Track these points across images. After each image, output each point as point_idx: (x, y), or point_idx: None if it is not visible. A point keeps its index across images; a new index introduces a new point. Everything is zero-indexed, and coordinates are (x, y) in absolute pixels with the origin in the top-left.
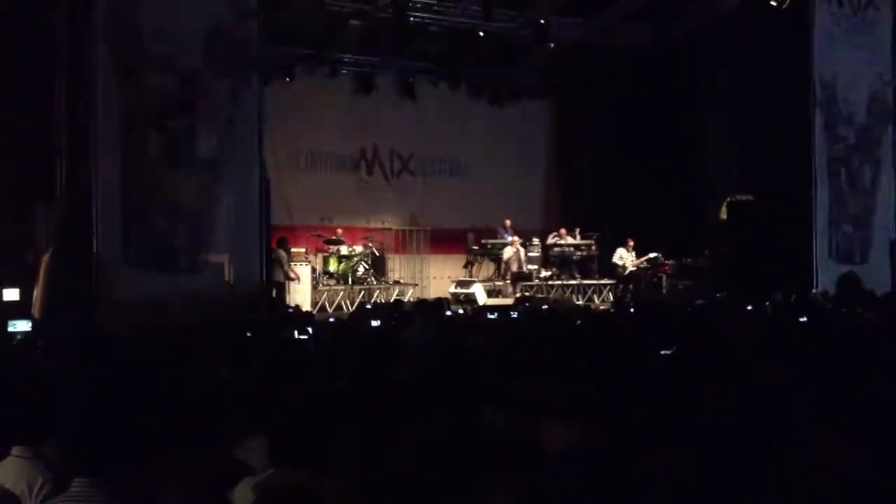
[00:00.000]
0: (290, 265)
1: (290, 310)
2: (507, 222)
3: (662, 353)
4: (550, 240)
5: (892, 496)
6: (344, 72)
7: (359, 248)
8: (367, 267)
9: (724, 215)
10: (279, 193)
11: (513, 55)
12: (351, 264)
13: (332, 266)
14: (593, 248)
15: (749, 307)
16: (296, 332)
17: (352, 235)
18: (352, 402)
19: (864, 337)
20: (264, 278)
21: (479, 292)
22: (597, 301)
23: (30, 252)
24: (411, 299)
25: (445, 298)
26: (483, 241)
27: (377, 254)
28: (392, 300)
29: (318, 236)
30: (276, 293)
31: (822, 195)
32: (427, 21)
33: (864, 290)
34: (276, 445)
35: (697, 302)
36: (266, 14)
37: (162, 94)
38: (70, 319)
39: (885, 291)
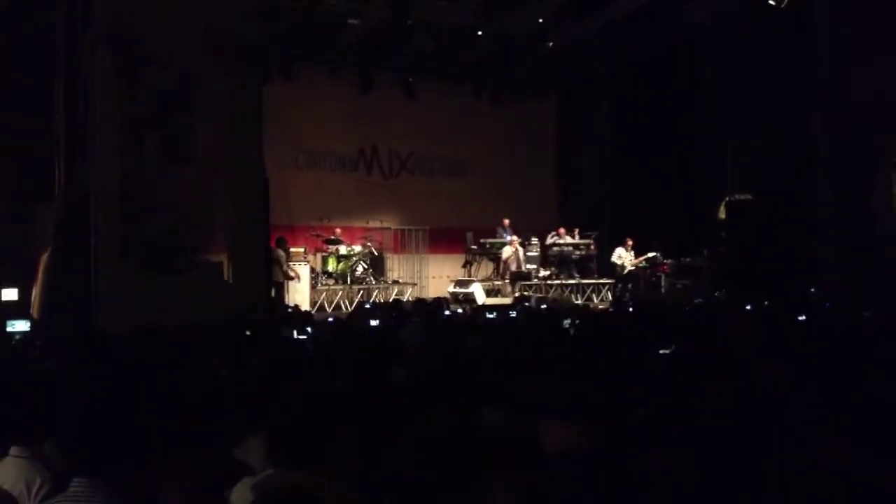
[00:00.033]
0: (288, 265)
1: (290, 309)
2: (506, 221)
3: (661, 352)
4: (549, 239)
5: (893, 496)
6: (343, 71)
7: (358, 248)
8: (366, 266)
9: (722, 215)
10: (278, 193)
11: (513, 55)
12: (350, 264)
13: (331, 266)
14: (592, 247)
15: (748, 307)
16: (295, 332)
17: (351, 235)
18: (351, 402)
19: (864, 337)
20: (263, 278)
21: (478, 292)
22: (595, 300)
23: (29, 252)
24: (410, 299)
25: (444, 298)
26: (482, 241)
27: (376, 253)
28: (391, 300)
29: (317, 236)
30: (276, 293)
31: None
32: (427, 20)
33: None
34: (276, 445)
35: (696, 301)
36: (265, 14)
37: (161, 93)
38: (68, 319)
39: None
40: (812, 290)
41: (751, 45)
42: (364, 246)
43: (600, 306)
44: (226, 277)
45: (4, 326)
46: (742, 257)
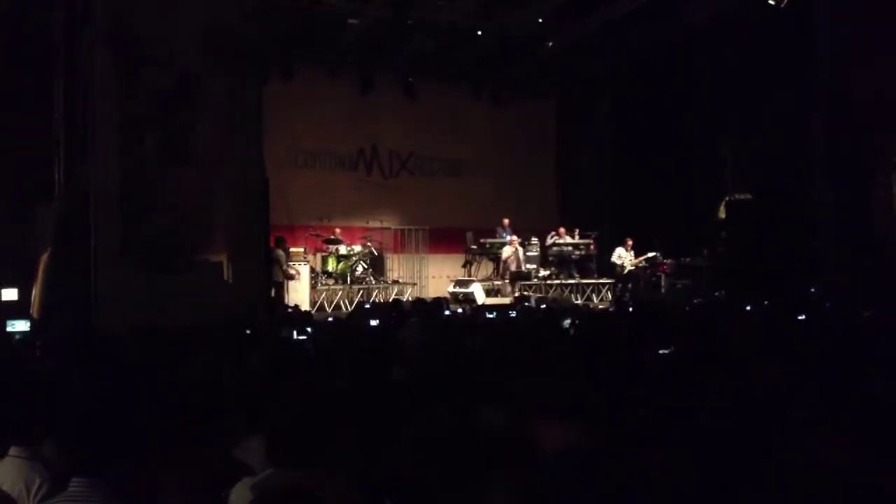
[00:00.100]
0: (288, 264)
1: (290, 309)
2: (506, 221)
3: (661, 352)
4: (549, 239)
5: (893, 496)
6: (343, 71)
7: (357, 248)
8: (366, 266)
9: (722, 215)
10: (278, 193)
11: (512, 55)
12: (350, 264)
13: (331, 265)
14: (592, 247)
15: (748, 307)
16: (295, 332)
17: (350, 235)
18: (351, 402)
19: (864, 337)
20: (263, 278)
21: (478, 292)
22: (595, 300)
23: (29, 252)
24: (410, 299)
25: (444, 298)
26: (482, 241)
27: (376, 253)
28: (391, 300)
29: (317, 236)
30: (275, 293)
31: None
32: (426, 20)
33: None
34: (276, 445)
35: (696, 301)
36: (265, 14)
37: (161, 93)
38: (68, 319)
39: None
40: (812, 290)
41: (751, 45)
42: (364, 246)
43: (600, 306)
44: (226, 277)
45: (4, 326)
46: (742, 257)
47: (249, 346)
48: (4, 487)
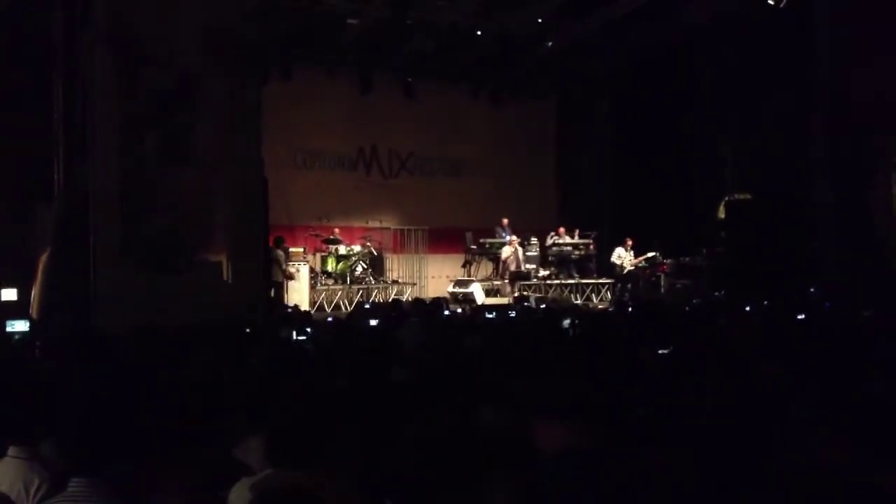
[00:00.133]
0: (288, 263)
1: (289, 309)
2: (505, 221)
3: (660, 352)
4: (549, 239)
5: (893, 496)
6: (342, 71)
7: (357, 248)
8: (366, 266)
9: (722, 215)
10: (278, 193)
11: (512, 55)
12: (349, 264)
13: (331, 265)
14: (591, 247)
15: (748, 307)
16: (294, 332)
17: (350, 235)
18: (351, 402)
19: (864, 337)
20: (263, 278)
21: (478, 292)
22: (595, 300)
23: (28, 252)
24: (409, 299)
25: (444, 298)
26: (481, 241)
27: (375, 253)
28: (390, 300)
29: (317, 236)
30: (275, 293)
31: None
32: (426, 20)
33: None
34: (276, 445)
35: (695, 301)
36: (265, 14)
37: (161, 93)
38: (68, 319)
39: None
40: (812, 290)
41: (751, 45)
42: (363, 246)
43: (600, 306)
44: (225, 277)
45: (4, 326)
46: (742, 257)
47: (249, 346)
48: (3, 488)
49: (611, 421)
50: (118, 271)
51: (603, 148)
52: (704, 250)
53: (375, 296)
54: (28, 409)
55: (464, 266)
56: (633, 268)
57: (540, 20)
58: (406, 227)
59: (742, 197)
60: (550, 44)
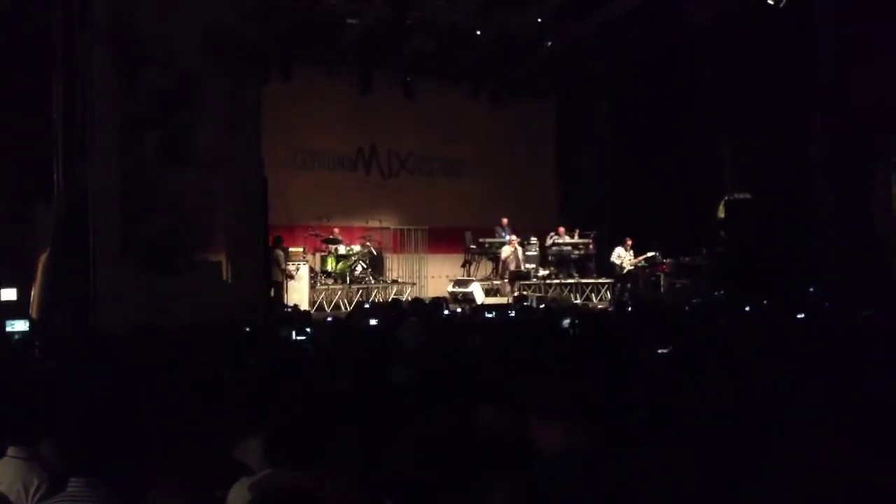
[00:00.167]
0: (287, 263)
1: (289, 309)
2: (504, 221)
3: (660, 352)
4: (549, 239)
5: (893, 496)
6: (342, 71)
7: (357, 248)
8: (365, 266)
9: (722, 214)
10: (277, 192)
11: (512, 55)
12: (349, 263)
13: (330, 265)
14: (591, 246)
15: (747, 307)
16: (294, 332)
17: (350, 234)
18: (351, 402)
19: (864, 337)
20: (262, 278)
21: (477, 291)
22: (595, 300)
23: (28, 252)
24: (409, 298)
25: (443, 298)
26: (481, 241)
27: (375, 253)
28: (390, 299)
29: (316, 236)
30: (275, 293)
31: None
32: (426, 20)
33: None
34: (275, 445)
35: (695, 301)
36: (265, 14)
37: (161, 93)
38: (67, 319)
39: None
40: (812, 289)
41: (751, 45)
42: (363, 245)
43: (599, 306)
44: (225, 277)
45: (4, 326)
46: (741, 257)
47: (249, 346)
48: (2, 488)
49: (611, 421)
50: (118, 271)
51: (603, 148)
52: (704, 250)
53: (375, 295)
54: (27, 409)
55: (463, 266)
56: (632, 267)
57: (540, 20)
58: (406, 227)
59: (742, 196)
60: (550, 44)
